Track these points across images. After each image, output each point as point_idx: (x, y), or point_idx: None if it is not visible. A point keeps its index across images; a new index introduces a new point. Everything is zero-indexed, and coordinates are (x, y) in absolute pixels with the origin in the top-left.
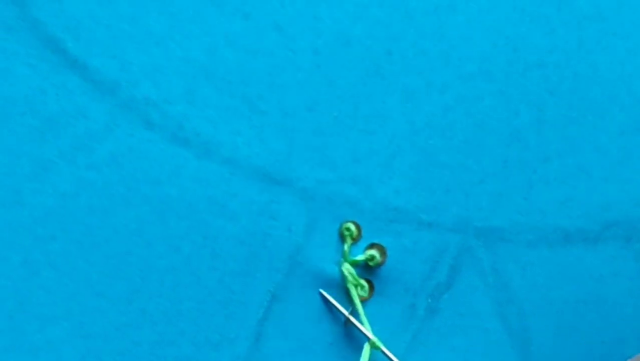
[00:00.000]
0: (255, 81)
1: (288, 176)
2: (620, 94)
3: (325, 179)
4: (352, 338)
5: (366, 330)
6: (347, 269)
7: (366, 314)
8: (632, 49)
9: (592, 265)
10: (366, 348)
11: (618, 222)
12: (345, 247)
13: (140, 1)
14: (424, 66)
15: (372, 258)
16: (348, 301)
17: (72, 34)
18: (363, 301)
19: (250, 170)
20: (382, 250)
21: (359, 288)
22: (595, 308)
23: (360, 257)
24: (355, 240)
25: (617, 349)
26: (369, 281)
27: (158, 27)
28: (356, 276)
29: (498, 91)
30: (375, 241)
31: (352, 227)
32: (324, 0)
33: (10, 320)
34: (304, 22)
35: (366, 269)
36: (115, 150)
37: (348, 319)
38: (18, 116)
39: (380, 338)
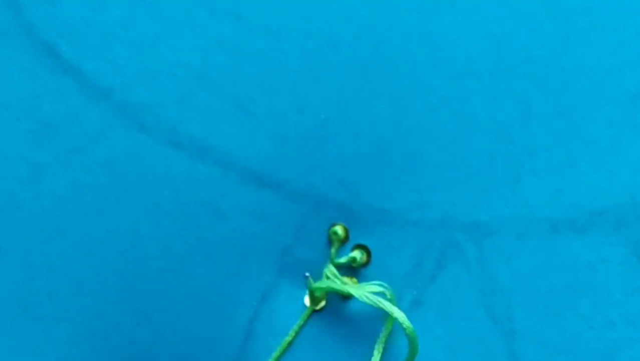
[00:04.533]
0: (246, 84)
1: (278, 178)
2: (608, 86)
3: (314, 183)
4: (336, 332)
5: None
6: (330, 270)
7: (351, 309)
8: (619, 41)
9: (580, 253)
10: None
11: (606, 210)
12: (332, 250)
13: (133, 6)
14: (410, 68)
15: (354, 260)
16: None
17: (66, 38)
18: (348, 298)
19: (241, 172)
20: (366, 251)
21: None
22: (583, 294)
23: (343, 260)
24: (342, 242)
25: (605, 333)
26: (353, 280)
27: (150, 31)
28: (339, 276)
29: (484, 89)
30: (362, 242)
31: (339, 230)
32: (314, 2)
33: (12, 322)
34: (294, 24)
35: (352, 269)
36: (110, 153)
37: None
38: (14, 120)
39: (366, 330)
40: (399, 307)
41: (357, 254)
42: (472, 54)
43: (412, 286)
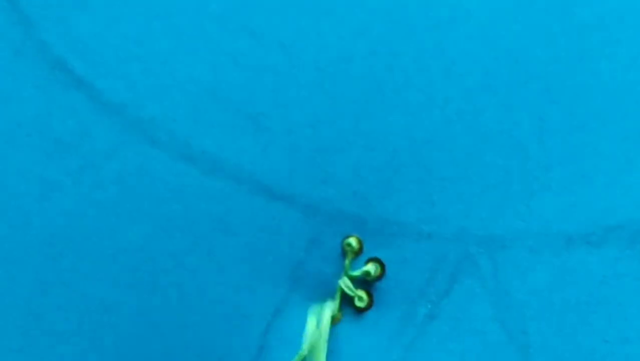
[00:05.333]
0: (259, 98)
1: (291, 192)
2: (623, 101)
3: (327, 196)
4: (349, 345)
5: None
6: (344, 282)
7: (365, 324)
8: (635, 56)
9: (595, 268)
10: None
11: (622, 225)
12: (346, 262)
13: (146, 22)
14: (424, 82)
15: (368, 273)
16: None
17: (79, 55)
18: (363, 311)
19: (253, 187)
20: (380, 265)
21: (357, 298)
22: (598, 309)
23: (357, 272)
24: (356, 255)
25: (620, 348)
26: (368, 293)
27: (163, 47)
28: (353, 289)
29: (499, 104)
30: (376, 254)
31: (353, 242)
32: (327, 17)
33: (25, 338)
34: (307, 39)
35: (366, 283)
36: (122, 169)
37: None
38: (25, 137)
39: (377, 345)
40: (414, 321)
41: (371, 267)
42: (487, 68)
43: (426, 299)
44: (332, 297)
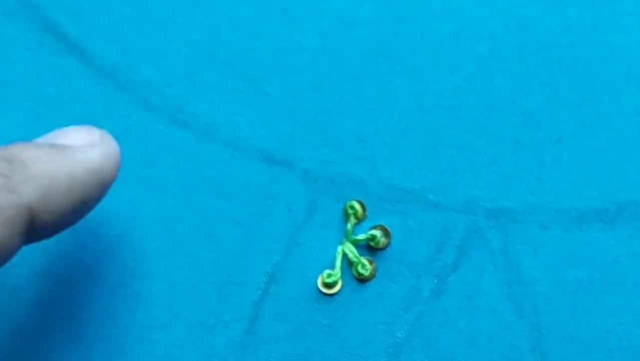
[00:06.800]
0: (258, 63)
1: (290, 156)
2: (636, 74)
3: (329, 160)
4: (349, 319)
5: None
6: (347, 247)
7: (367, 296)
8: None
9: (608, 246)
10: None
11: (636, 202)
12: (349, 225)
13: None
14: (432, 47)
15: (373, 238)
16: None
17: (72, 18)
18: (365, 281)
19: (250, 151)
20: (386, 232)
21: (359, 265)
22: (612, 289)
23: (362, 236)
24: (359, 220)
25: (636, 330)
26: (371, 262)
27: (159, 10)
28: (357, 254)
29: (509, 71)
30: (381, 222)
31: (357, 205)
32: None
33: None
34: (310, 3)
35: (369, 250)
36: (114, 133)
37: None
38: (14, 100)
39: (382, 319)
40: (420, 296)
41: (376, 232)
42: (497, 35)
43: (432, 274)
44: (332, 265)
